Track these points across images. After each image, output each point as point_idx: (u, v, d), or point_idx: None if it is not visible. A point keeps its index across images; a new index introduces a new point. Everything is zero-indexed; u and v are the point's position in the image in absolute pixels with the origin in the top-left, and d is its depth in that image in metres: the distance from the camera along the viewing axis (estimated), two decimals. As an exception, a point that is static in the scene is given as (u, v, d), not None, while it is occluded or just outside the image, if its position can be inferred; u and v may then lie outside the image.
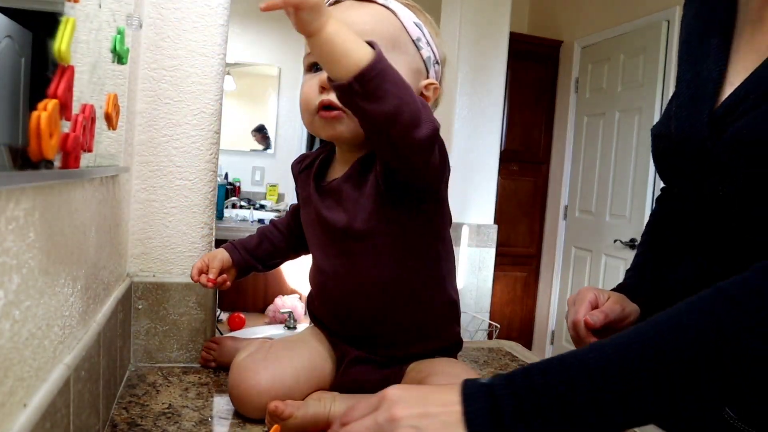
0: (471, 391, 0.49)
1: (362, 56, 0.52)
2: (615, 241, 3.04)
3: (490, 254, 2.94)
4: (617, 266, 3.07)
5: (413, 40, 0.67)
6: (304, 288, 3.04)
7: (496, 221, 3.04)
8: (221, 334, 1.10)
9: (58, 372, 0.45)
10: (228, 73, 3.85)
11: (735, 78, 0.60)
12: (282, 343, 0.73)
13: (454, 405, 0.49)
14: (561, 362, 0.48)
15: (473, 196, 2.94)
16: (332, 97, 0.63)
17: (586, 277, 3.42)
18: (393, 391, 0.52)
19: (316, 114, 0.66)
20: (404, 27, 0.66)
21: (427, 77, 0.68)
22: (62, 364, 0.46)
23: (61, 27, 0.41)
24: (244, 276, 0.82)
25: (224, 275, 0.77)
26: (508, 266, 3.61)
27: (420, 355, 0.70)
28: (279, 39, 3.97)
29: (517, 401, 0.47)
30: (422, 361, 0.69)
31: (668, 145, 0.67)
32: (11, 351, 0.36)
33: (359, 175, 0.67)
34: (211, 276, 0.76)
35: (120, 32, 0.62)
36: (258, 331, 2.45)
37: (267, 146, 3.96)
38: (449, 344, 0.73)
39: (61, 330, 0.47)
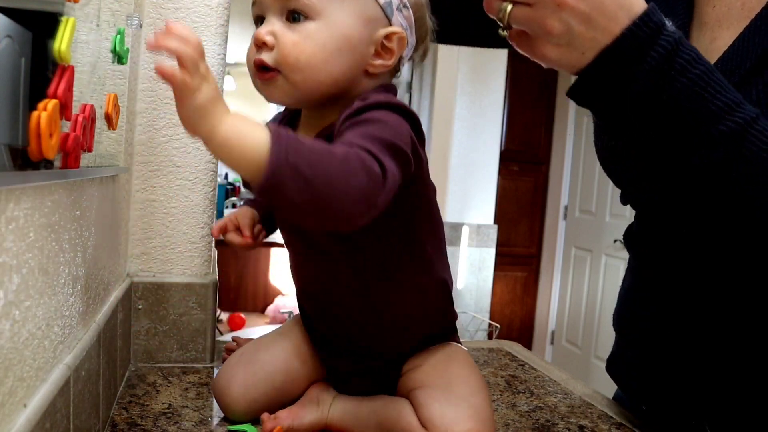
0: (644, 24, 0.46)
1: (258, 160, 0.43)
2: (615, 241, 3.04)
3: (490, 254, 2.95)
4: (617, 266, 3.07)
5: None
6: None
7: (496, 221, 3.04)
8: (221, 334, 1.10)
9: (58, 372, 0.45)
10: (228, 73, 3.85)
11: None
12: (255, 345, 0.71)
13: (619, 24, 0.46)
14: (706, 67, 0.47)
15: (473, 196, 2.94)
16: (264, 55, 0.55)
17: (586, 277, 3.42)
18: None
19: (255, 75, 0.58)
20: None
21: (390, 25, 0.58)
22: (62, 364, 0.46)
23: (61, 27, 0.41)
24: (271, 233, 0.74)
25: (260, 226, 0.70)
26: (508, 266, 3.61)
27: (415, 346, 0.65)
28: (279, 39, 3.96)
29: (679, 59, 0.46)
30: (417, 357, 0.65)
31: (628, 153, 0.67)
32: (11, 351, 0.36)
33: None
34: (247, 233, 0.68)
35: (120, 32, 0.62)
36: (258, 331, 2.45)
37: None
38: (443, 329, 0.68)
39: (61, 330, 0.47)
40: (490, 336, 2.73)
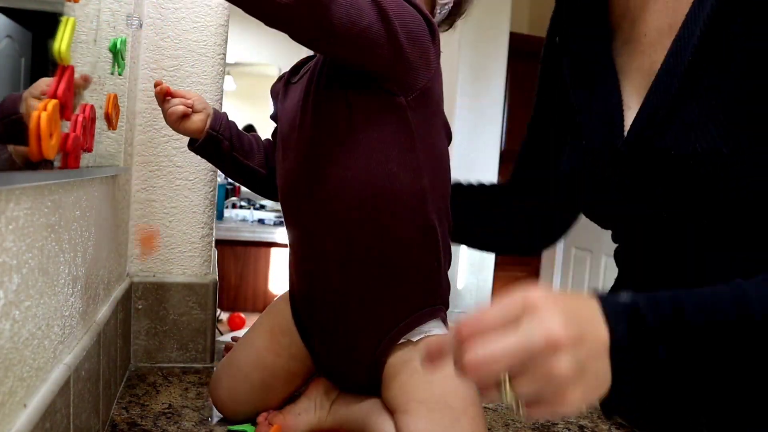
0: (617, 317, 0.40)
1: None
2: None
3: (490, 254, 2.94)
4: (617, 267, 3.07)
5: None
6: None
7: (496, 221, 3.04)
8: (221, 334, 1.10)
9: (58, 372, 0.45)
10: (228, 73, 3.85)
11: (631, 101, 0.60)
12: (237, 345, 0.72)
13: (600, 326, 0.39)
14: (721, 307, 0.42)
15: (473, 196, 2.93)
16: None
17: (586, 277, 3.42)
18: (540, 298, 0.37)
19: None
20: None
21: None
22: (62, 364, 0.46)
23: (61, 27, 0.41)
24: (210, 145, 0.68)
25: (188, 102, 0.66)
26: (508, 266, 3.61)
27: (398, 317, 0.59)
28: (279, 39, 3.96)
29: (671, 342, 0.41)
30: (399, 360, 0.59)
31: (585, 178, 0.65)
32: (11, 351, 0.36)
33: (323, 64, 0.59)
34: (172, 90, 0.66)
35: (123, 42, 0.62)
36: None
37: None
38: (427, 299, 0.61)
39: (61, 330, 0.47)
40: (490, 336, 2.73)
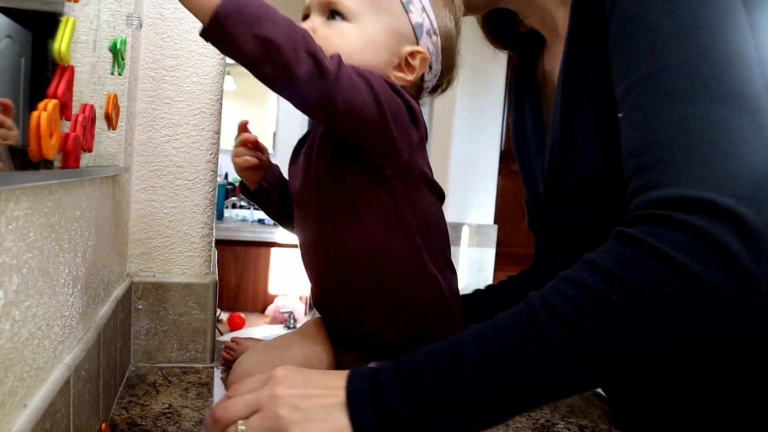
0: (357, 374, 0.50)
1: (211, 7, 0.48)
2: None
3: (490, 254, 2.95)
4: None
5: (402, 2, 0.63)
6: (303, 288, 3.04)
7: (496, 221, 3.04)
8: (221, 334, 1.10)
9: (58, 372, 0.45)
10: (228, 73, 3.85)
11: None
12: (277, 342, 0.72)
13: (339, 389, 0.49)
14: (443, 350, 0.49)
15: (473, 196, 2.94)
16: None
17: (586, 277, 3.41)
18: (280, 371, 0.52)
19: None
20: None
21: (417, 45, 0.64)
22: (62, 364, 0.46)
23: (61, 27, 0.41)
24: (261, 195, 0.77)
25: (263, 158, 0.75)
26: (508, 266, 3.61)
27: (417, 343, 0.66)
28: (279, 39, 3.96)
29: (399, 385, 0.48)
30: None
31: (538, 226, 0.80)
32: (11, 351, 0.36)
33: (322, 138, 0.64)
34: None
35: (123, 42, 0.62)
36: (258, 331, 2.45)
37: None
38: (445, 330, 0.66)
39: (61, 330, 0.47)
40: (490, 336, 2.73)
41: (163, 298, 0.83)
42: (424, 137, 0.64)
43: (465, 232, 2.88)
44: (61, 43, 0.40)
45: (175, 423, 0.65)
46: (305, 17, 0.65)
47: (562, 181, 0.65)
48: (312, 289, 0.73)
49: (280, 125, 4.03)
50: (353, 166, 0.61)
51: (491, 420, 0.48)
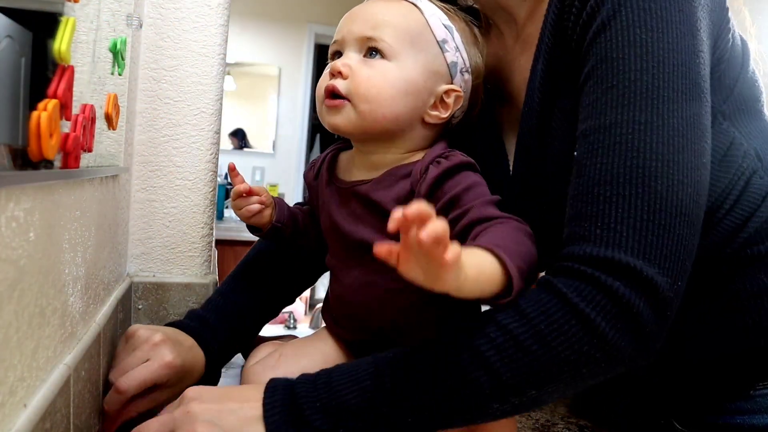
0: (274, 386, 0.51)
1: (500, 281, 0.48)
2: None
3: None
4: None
5: (438, 41, 0.63)
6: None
7: (496, 221, 3.03)
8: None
9: (58, 372, 0.45)
10: (228, 73, 3.85)
11: (511, 150, 0.70)
12: (293, 349, 0.71)
13: (256, 401, 0.50)
14: (363, 370, 0.51)
15: (473, 196, 2.93)
16: (337, 82, 0.60)
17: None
18: (192, 389, 0.53)
19: (323, 101, 0.62)
20: (429, 25, 0.62)
21: (451, 83, 0.64)
22: (62, 364, 0.46)
23: (61, 27, 0.41)
24: (275, 235, 0.73)
25: (262, 199, 0.70)
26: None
27: None
28: (279, 39, 3.97)
29: (316, 397, 0.49)
30: None
31: None
32: (11, 351, 0.36)
33: (391, 182, 0.62)
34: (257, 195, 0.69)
35: (123, 42, 0.62)
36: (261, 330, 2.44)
37: (244, 147, 4.05)
38: None
39: (61, 330, 0.47)
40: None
41: (163, 298, 0.83)
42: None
43: (465, 232, 2.88)
44: (61, 43, 0.40)
45: (175, 423, 0.65)
46: (335, 54, 0.64)
47: (529, 191, 0.66)
48: (336, 314, 0.71)
49: (280, 125, 4.03)
50: None
51: None
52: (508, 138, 0.71)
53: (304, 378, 0.52)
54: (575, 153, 0.54)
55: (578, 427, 0.72)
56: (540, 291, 0.51)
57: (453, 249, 0.39)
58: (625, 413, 0.73)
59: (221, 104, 0.86)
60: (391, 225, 0.38)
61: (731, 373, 0.63)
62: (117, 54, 0.61)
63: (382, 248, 0.40)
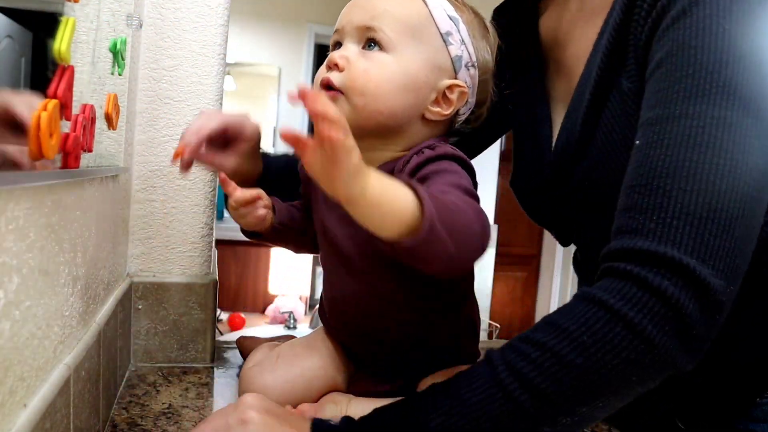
0: (319, 427, 0.52)
1: (409, 218, 0.44)
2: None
3: (489, 254, 2.95)
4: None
5: (441, 34, 0.59)
6: (303, 288, 3.05)
7: (496, 221, 3.04)
8: (221, 334, 1.10)
9: (58, 372, 0.45)
10: (228, 73, 3.85)
11: (557, 117, 0.68)
12: (291, 350, 0.71)
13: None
14: (403, 414, 0.50)
15: (473, 196, 2.93)
16: (332, 75, 0.57)
17: (586, 277, 3.42)
18: (249, 396, 0.53)
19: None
20: (432, 17, 0.59)
21: (455, 78, 0.61)
22: (62, 364, 0.46)
23: (61, 27, 0.41)
24: (277, 236, 0.72)
25: (267, 203, 0.68)
26: (508, 266, 3.61)
27: (434, 370, 0.66)
28: (279, 39, 3.97)
29: None
30: (437, 373, 0.65)
31: (527, 193, 0.75)
32: (11, 351, 0.36)
33: None
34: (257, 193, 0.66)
35: (123, 42, 0.62)
36: (258, 331, 2.44)
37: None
38: (465, 359, 0.67)
39: (61, 330, 0.47)
40: (490, 336, 2.73)
41: (163, 298, 0.83)
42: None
43: (465, 232, 2.88)
44: (61, 43, 0.40)
45: (175, 423, 0.65)
46: (336, 45, 0.61)
47: (576, 173, 0.63)
48: (329, 320, 0.71)
49: (279, 124, 4.03)
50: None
51: None
52: (556, 110, 0.68)
53: (346, 424, 0.52)
54: (636, 141, 0.51)
55: (578, 427, 0.72)
56: (577, 303, 0.48)
57: (340, 128, 0.39)
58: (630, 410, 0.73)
59: (221, 104, 0.86)
60: (291, 95, 0.38)
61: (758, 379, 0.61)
62: (117, 54, 0.61)
63: (288, 133, 0.40)
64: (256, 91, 4.11)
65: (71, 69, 0.42)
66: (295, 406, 0.66)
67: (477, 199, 0.53)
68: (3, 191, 0.33)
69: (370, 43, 0.58)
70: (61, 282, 0.47)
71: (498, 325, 2.67)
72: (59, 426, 0.44)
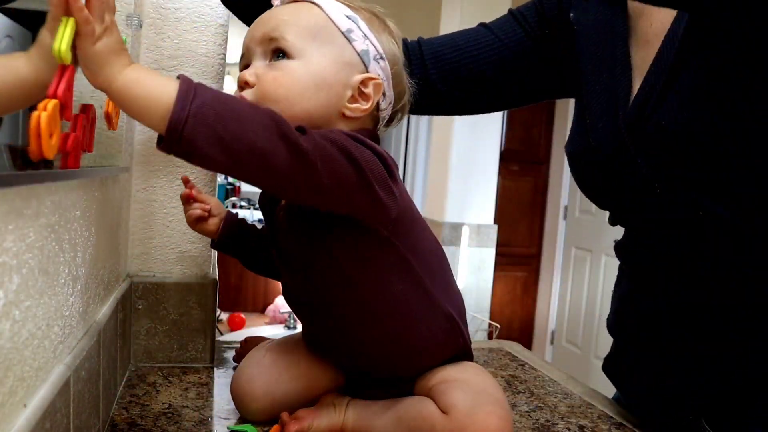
0: None
1: (166, 102, 0.44)
2: (615, 241, 3.04)
3: (490, 254, 2.94)
4: (617, 266, 3.07)
5: (342, 32, 0.61)
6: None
7: (496, 221, 3.04)
8: (221, 334, 1.10)
9: (58, 372, 0.45)
10: (228, 73, 3.84)
11: (636, 83, 0.65)
12: (278, 346, 0.71)
13: None
14: None
15: (473, 196, 2.93)
16: (245, 93, 0.59)
17: (586, 277, 3.42)
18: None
19: None
20: (330, 18, 0.61)
21: (367, 72, 0.62)
22: (62, 364, 0.46)
23: (61, 27, 0.41)
24: (228, 246, 0.75)
25: (206, 207, 0.72)
26: (508, 266, 3.61)
27: (424, 370, 0.65)
28: (279, 39, 3.96)
29: None
30: (432, 370, 0.65)
31: (589, 158, 0.71)
32: (11, 351, 0.36)
33: (301, 214, 0.61)
34: (195, 193, 0.72)
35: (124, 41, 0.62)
36: (258, 331, 2.44)
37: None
38: (455, 356, 0.67)
39: (61, 330, 0.47)
40: (490, 336, 2.73)
41: (163, 298, 0.83)
42: (397, 176, 0.60)
43: (465, 232, 2.88)
44: (61, 43, 0.40)
45: (175, 423, 0.65)
46: (245, 66, 0.62)
47: (652, 123, 0.61)
48: (308, 334, 0.71)
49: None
50: (347, 236, 0.58)
51: None
52: (636, 79, 0.66)
53: None
54: None
55: (578, 428, 0.72)
56: None
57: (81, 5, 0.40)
58: (648, 411, 0.72)
59: (221, 104, 0.86)
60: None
61: None
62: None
63: None
64: (256, 91, 4.10)
65: (71, 69, 0.42)
66: (288, 404, 0.66)
67: (339, 145, 0.52)
68: (4, 191, 0.33)
69: (277, 54, 0.60)
70: (61, 282, 0.47)
71: (498, 325, 2.67)
72: (59, 426, 0.44)
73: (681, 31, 0.58)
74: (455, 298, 0.68)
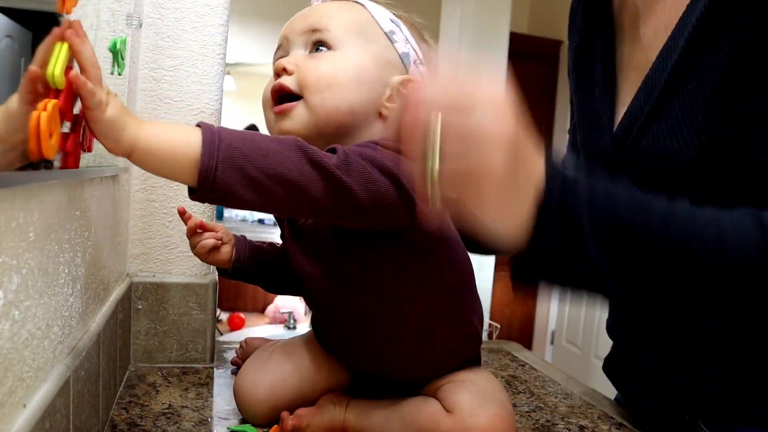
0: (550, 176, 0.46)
1: (193, 152, 0.43)
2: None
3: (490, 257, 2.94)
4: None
5: (385, 33, 0.61)
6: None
7: (496, 221, 3.03)
8: (221, 334, 1.10)
9: (57, 372, 0.45)
10: (228, 73, 3.85)
11: (626, 98, 0.63)
12: (283, 348, 0.71)
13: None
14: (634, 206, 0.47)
15: (473, 196, 2.93)
16: (284, 79, 0.57)
17: (586, 277, 3.41)
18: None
19: (271, 108, 0.59)
20: (375, 19, 0.61)
21: (406, 74, 0.61)
22: (62, 364, 0.46)
23: (55, 51, 0.40)
24: (247, 271, 0.73)
25: (218, 235, 0.69)
26: (508, 266, 3.61)
27: (435, 377, 0.65)
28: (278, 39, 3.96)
29: (588, 200, 0.46)
30: (438, 380, 0.64)
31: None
32: (11, 351, 0.36)
33: (331, 233, 0.59)
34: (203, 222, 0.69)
35: (123, 42, 0.62)
36: (258, 331, 2.44)
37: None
38: (465, 363, 0.67)
39: (61, 330, 0.47)
40: (490, 336, 2.73)
41: (163, 298, 0.83)
42: None
43: (465, 232, 2.87)
44: (54, 67, 0.39)
45: (175, 423, 0.65)
46: (280, 57, 0.61)
47: (638, 146, 0.60)
48: (323, 333, 0.70)
49: (280, 125, 4.02)
50: (386, 246, 0.57)
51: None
52: (624, 89, 0.66)
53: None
54: None
55: (578, 428, 0.72)
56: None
57: (86, 82, 0.40)
58: (646, 410, 0.72)
59: (221, 104, 0.86)
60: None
61: None
62: (117, 54, 0.61)
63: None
64: (256, 91, 4.09)
65: (71, 69, 0.42)
66: (292, 406, 0.66)
67: (373, 160, 0.50)
68: (3, 191, 0.33)
69: (317, 46, 0.59)
70: (61, 282, 0.46)
71: (498, 325, 2.67)
72: (59, 426, 0.43)
73: (673, 57, 0.57)
74: (478, 307, 0.68)
